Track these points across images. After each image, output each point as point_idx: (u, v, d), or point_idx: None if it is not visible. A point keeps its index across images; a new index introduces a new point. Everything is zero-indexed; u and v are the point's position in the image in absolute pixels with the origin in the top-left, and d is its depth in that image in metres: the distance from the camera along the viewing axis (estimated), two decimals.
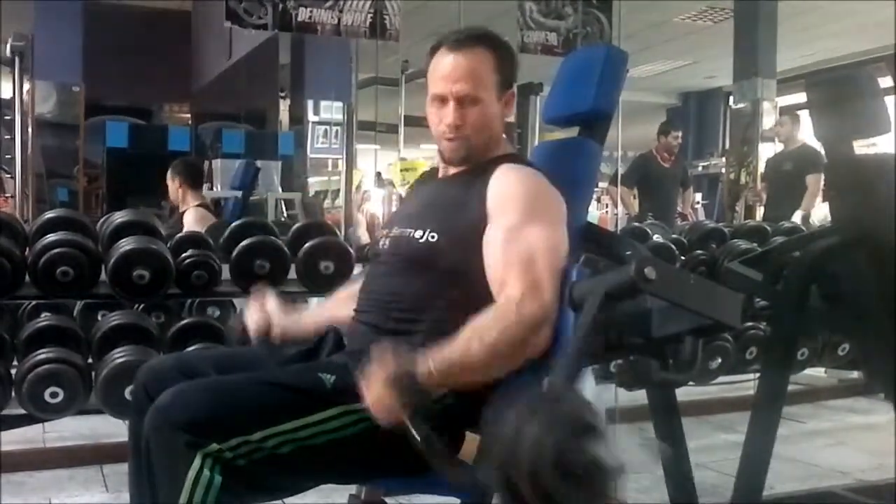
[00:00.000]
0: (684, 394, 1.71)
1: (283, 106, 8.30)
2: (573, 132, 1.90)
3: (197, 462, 1.35)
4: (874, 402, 4.52)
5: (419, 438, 1.36)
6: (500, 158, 1.70)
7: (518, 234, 1.54)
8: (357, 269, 3.03)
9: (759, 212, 6.60)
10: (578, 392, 1.27)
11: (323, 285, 2.95)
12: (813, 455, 3.59)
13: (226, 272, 2.87)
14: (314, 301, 3.68)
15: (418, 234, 1.64)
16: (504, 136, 1.79)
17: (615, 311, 1.41)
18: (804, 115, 7.19)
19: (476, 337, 1.44)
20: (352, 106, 8.23)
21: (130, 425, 1.69)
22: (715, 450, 3.48)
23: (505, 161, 1.68)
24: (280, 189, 6.93)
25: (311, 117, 8.44)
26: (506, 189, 1.61)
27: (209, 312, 3.59)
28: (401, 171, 4.49)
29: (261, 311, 1.84)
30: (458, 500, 1.70)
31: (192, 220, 4.21)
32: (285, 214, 6.47)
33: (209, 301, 3.49)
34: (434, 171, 1.90)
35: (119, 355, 2.55)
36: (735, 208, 7.07)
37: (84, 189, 6.99)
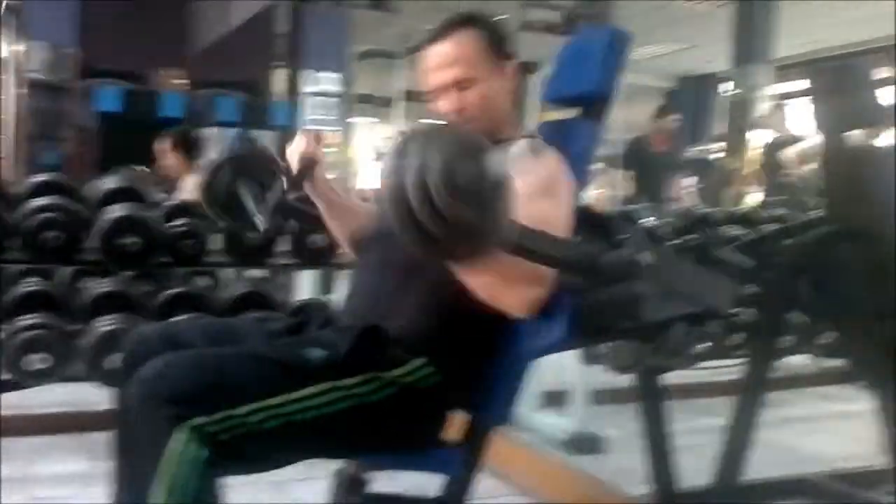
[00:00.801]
0: (668, 377, 1.72)
1: (280, 76, 8.23)
2: (567, 113, 1.89)
3: (182, 435, 1.33)
4: (855, 389, 4.55)
5: None
6: (518, 138, 1.70)
7: (529, 204, 1.48)
8: None
9: (749, 198, 6.60)
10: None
11: (315, 258, 2.94)
12: (792, 441, 3.61)
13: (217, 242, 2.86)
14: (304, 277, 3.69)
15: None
16: (517, 114, 1.78)
17: (607, 295, 1.41)
18: (792, 103, 7.26)
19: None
20: (348, 78, 8.20)
21: (117, 395, 1.68)
22: (695, 433, 3.49)
23: (520, 139, 1.68)
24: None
25: (308, 88, 8.38)
26: (519, 162, 1.59)
27: (197, 282, 3.57)
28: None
29: (310, 147, 1.81)
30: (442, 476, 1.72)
31: (188, 186, 4.20)
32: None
33: (199, 271, 3.47)
34: None
35: (106, 323, 2.53)
36: (726, 194, 7.08)
37: (74, 153, 6.92)
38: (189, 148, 4.57)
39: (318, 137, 1.83)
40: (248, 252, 2.86)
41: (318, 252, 2.93)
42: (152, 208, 2.79)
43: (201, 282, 3.59)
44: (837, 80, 2.18)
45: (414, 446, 1.58)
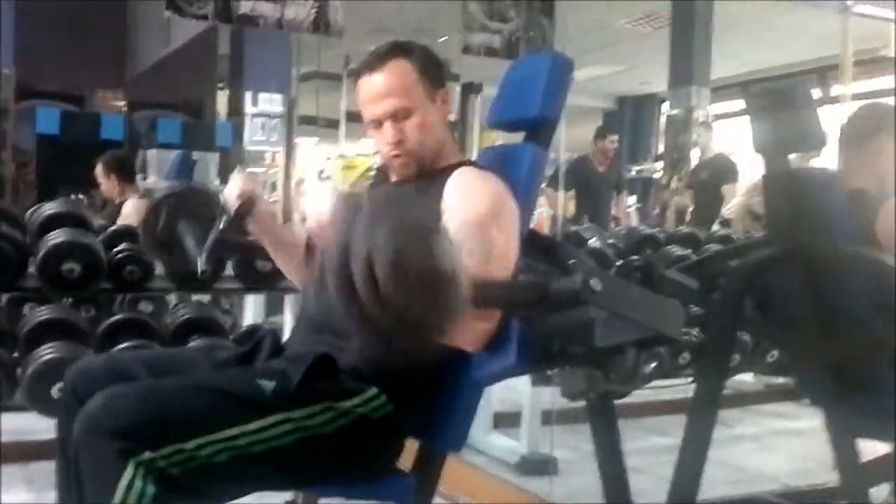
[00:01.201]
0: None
1: (222, 97, 8.17)
2: (515, 136, 1.91)
3: (129, 471, 1.30)
4: (800, 406, 4.64)
5: None
6: (457, 165, 1.69)
7: (474, 232, 1.51)
8: None
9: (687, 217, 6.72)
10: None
11: (260, 282, 2.91)
12: (740, 459, 3.65)
13: (159, 268, 2.80)
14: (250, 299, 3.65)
15: None
16: (453, 139, 1.78)
17: (556, 321, 1.41)
18: (717, 124, 7.44)
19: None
20: (292, 99, 8.13)
21: (58, 426, 1.64)
22: (647, 453, 3.52)
23: (461, 166, 1.67)
24: (217, 181, 6.82)
25: (250, 109, 8.33)
26: (464, 189, 1.60)
27: (141, 308, 3.51)
28: (342, 169, 4.42)
29: (248, 186, 1.78)
30: None
31: (132, 211, 4.14)
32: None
33: (141, 296, 3.41)
34: (384, 173, 1.88)
35: (46, 352, 2.47)
36: (665, 213, 7.19)
37: (12, 176, 6.77)
38: (126, 171, 4.50)
39: (253, 178, 1.81)
40: (193, 277, 2.80)
41: (262, 276, 2.90)
42: (93, 234, 2.73)
43: (144, 307, 3.53)
44: (776, 101, 2.22)
45: (368, 476, 1.56)
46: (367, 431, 1.51)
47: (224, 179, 6.98)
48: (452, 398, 1.64)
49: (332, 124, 6.46)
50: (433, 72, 1.68)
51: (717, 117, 7.83)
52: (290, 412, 1.45)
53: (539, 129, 1.81)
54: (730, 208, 5.84)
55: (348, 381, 1.53)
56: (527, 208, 1.71)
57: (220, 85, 8.25)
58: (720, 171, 6.37)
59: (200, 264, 1.75)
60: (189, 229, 1.80)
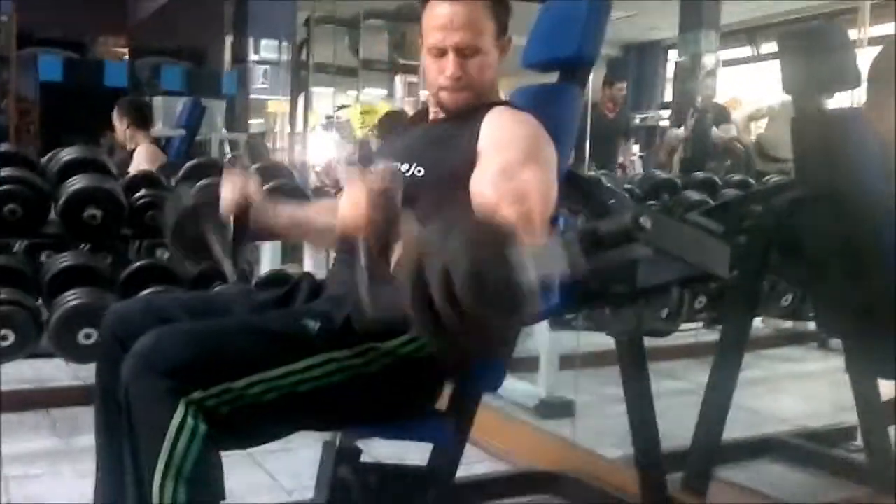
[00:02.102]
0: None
1: (227, 43, 8.06)
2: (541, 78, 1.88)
3: (180, 410, 1.31)
4: (808, 350, 4.67)
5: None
6: (494, 104, 1.66)
7: (512, 173, 1.49)
8: None
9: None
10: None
11: None
12: (753, 402, 3.68)
13: None
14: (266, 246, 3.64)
15: (403, 167, 1.60)
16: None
17: (602, 260, 1.40)
18: (724, 71, 7.38)
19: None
20: (295, 45, 8.05)
21: (98, 372, 1.63)
22: (660, 397, 3.54)
23: (496, 105, 1.65)
24: (224, 129, 6.77)
25: (253, 56, 8.22)
26: (501, 130, 1.57)
27: (158, 254, 3.50)
28: (361, 113, 4.37)
29: (241, 186, 1.73)
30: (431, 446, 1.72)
31: (144, 157, 4.12)
32: (229, 155, 6.31)
33: (159, 242, 3.40)
34: (422, 112, 1.86)
35: (72, 298, 2.46)
36: (672, 160, 7.17)
37: (16, 124, 6.72)
38: (142, 117, 4.47)
39: (245, 176, 1.76)
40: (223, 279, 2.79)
41: None
42: (114, 179, 2.71)
43: (160, 255, 3.52)
44: (811, 41, 2.19)
45: (408, 416, 1.57)
46: (408, 371, 1.51)
47: (230, 127, 6.94)
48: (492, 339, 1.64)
49: (347, 72, 6.37)
50: (504, 17, 1.65)
51: (725, 63, 7.75)
52: (334, 352, 1.45)
53: (576, 69, 1.79)
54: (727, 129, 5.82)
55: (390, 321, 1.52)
56: (565, 147, 1.69)
57: (224, 31, 8.13)
58: (715, 115, 6.37)
59: (230, 274, 1.73)
60: (218, 235, 1.75)
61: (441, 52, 1.62)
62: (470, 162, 1.56)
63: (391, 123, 4.68)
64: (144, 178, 2.81)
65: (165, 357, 1.34)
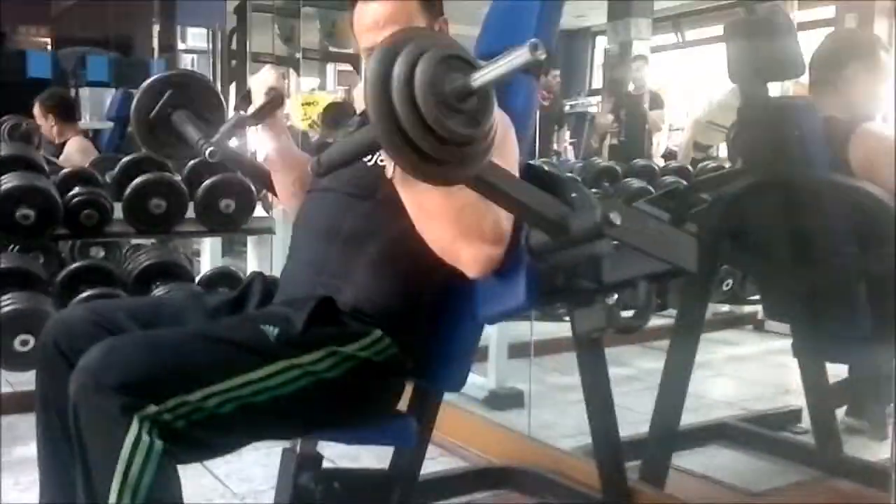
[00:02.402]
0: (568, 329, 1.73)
1: (156, 32, 7.86)
2: None
3: (134, 427, 1.24)
4: (743, 333, 4.74)
5: None
6: None
7: None
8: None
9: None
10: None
11: (224, 224, 2.82)
12: (697, 386, 3.72)
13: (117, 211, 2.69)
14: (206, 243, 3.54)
15: (364, 158, 1.55)
16: None
17: (569, 256, 1.38)
18: (655, 57, 7.44)
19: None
20: (225, 33, 7.87)
21: (38, 382, 1.55)
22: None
23: None
24: None
25: (181, 45, 8.02)
26: None
27: (92, 254, 3.38)
28: (302, 105, 4.27)
29: (279, 82, 1.71)
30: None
31: (75, 150, 3.98)
32: None
33: (93, 242, 3.29)
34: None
35: (7, 303, 2.35)
36: (603, 147, 7.23)
37: None
38: (65, 110, 4.31)
39: (283, 74, 1.73)
40: (152, 220, 2.71)
41: (225, 217, 2.81)
42: (47, 177, 2.60)
43: (95, 253, 3.41)
44: (755, 28, 2.20)
45: (371, 420, 1.53)
46: (372, 374, 1.47)
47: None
48: (454, 338, 1.60)
49: (285, 61, 6.25)
50: (431, 3, 1.61)
51: (654, 50, 7.81)
52: (294, 358, 1.39)
53: None
54: (677, 143, 5.92)
55: (351, 323, 1.48)
56: (523, 144, 1.66)
57: (151, 20, 7.92)
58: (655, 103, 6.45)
59: (211, 150, 1.64)
60: (187, 118, 1.69)
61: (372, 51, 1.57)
62: None
63: (335, 116, 4.60)
64: (78, 176, 2.70)
65: (116, 371, 1.26)
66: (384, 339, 1.48)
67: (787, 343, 2.42)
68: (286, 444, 1.64)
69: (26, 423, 2.11)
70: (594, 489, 2.10)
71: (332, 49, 7.26)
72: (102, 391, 1.25)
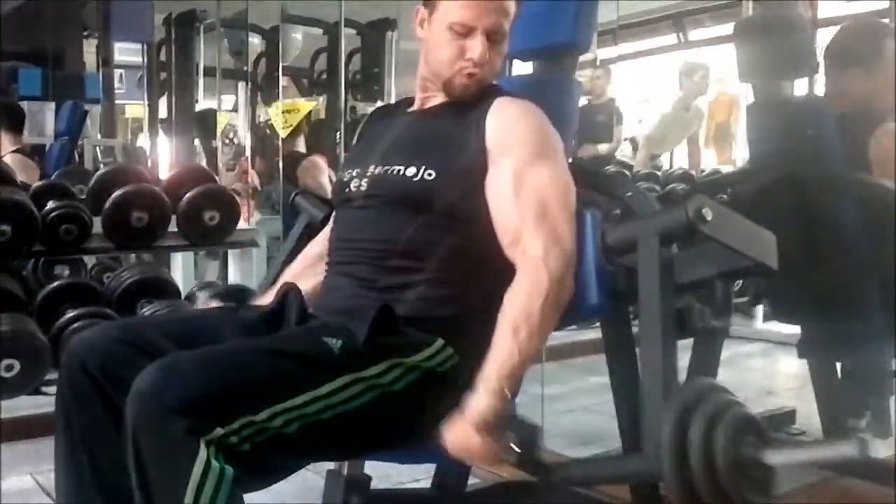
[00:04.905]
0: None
1: (88, 46, 7.58)
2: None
3: (202, 453, 1.13)
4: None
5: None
6: (490, 90, 1.54)
7: (527, 177, 1.42)
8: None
9: None
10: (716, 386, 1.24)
11: (207, 237, 2.68)
12: None
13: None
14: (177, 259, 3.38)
15: (411, 171, 1.46)
16: None
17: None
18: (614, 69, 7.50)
19: (522, 324, 1.32)
20: (153, 46, 7.65)
21: (61, 405, 1.40)
22: (591, 393, 3.50)
23: (496, 93, 1.53)
24: (98, 135, 6.33)
25: (116, 58, 7.76)
26: (508, 125, 1.47)
27: (57, 272, 3.20)
28: (283, 113, 4.14)
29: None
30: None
31: (13, 165, 3.74)
32: (101, 163, 5.88)
33: (58, 260, 3.11)
34: (400, 103, 1.71)
35: None
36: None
37: None
38: (11, 121, 4.10)
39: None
40: (133, 234, 2.56)
41: (209, 230, 2.67)
42: (23, 190, 2.44)
43: (59, 272, 3.23)
44: (769, 27, 2.18)
45: (432, 435, 1.43)
46: (435, 385, 1.38)
47: (106, 133, 6.56)
48: None
49: (230, 75, 6.09)
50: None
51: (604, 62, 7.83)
52: (358, 372, 1.30)
53: (566, 57, 1.70)
54: (637, 160, 5.98)
55: (412, 333, 1.39)
56: (569, 142, 1.60)
57: (85, 34, 7.65)
58: (614, 114, 6.48)
59: None
60: None
61: (466, 32, 1.47)
62: (480, 162, 1.47)
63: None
64: (53, 189, 2.54)
65: (177, 393, 1.15)
66: (447, 349, 1.40)
67: (752, 348, 2.41)
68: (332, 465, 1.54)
69: (9, 452, 1.96)
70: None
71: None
72: (164, 415, 1.14)
